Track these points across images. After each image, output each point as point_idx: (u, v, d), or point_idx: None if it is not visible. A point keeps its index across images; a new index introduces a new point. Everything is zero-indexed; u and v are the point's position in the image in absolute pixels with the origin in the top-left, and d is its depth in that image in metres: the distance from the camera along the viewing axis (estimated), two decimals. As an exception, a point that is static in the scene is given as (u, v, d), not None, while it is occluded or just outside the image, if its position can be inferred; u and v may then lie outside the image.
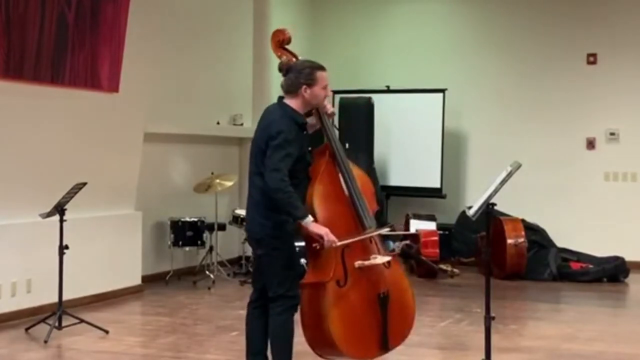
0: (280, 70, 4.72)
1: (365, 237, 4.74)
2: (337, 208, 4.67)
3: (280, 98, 4.75)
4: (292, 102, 4.62)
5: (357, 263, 4.65)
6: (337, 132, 4.92)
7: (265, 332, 4.67)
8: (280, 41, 4.85)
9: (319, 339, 4.70)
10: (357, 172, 4.88)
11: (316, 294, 4.60)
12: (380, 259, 4.75)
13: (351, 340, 4.68)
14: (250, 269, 9.22)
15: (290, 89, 4.62)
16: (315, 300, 4.60)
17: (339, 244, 4.52)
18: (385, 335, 4.80)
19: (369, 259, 4.70)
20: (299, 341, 4.72)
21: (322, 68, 4.66)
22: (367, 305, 4.75)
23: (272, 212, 4.48)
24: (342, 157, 4.78)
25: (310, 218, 4.47)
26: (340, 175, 4.77)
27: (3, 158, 6.74)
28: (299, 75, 4.59)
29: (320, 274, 4.61)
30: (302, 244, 4.69)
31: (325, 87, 4.66)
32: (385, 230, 5.17)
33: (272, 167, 4.40)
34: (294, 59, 4.79)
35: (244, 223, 4.95)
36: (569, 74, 10.70)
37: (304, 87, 4.58)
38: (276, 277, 4.55)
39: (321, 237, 4.47)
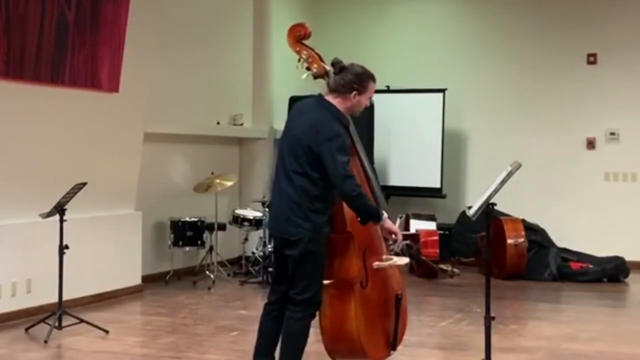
0: (332, 65, 4.56)
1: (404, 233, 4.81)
2: None
3: (319, 94, 4.59)
4: (337, 102, 4.49)
5: (376, 264, 4.64)
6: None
7: (278, 334, 4.59)
8: (301, 36, 4.71)
9: (341, 342, 4.65)
10: None
11: (341, 295, 4.56)
12: (398, 261, 4.75)
13: (374, 341, 4.69)
14: (251, 269, 9.28)
15: (341, 89, 4.48)
16: (340, 301, 4.56)
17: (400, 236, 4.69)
18: (395, 335, 4.83)
19: (382, 260, 4.70)
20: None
21: (375, 79, 4.58)
22: (387, 306, 4.78)
23: (313, 214, 4.38)
24: (364, 155, 4.78)
25: (385, 215, 4.52)
26: (362, 172, 4.76)
27: (3, 158, 6.74)
28: (354, 79, 4.48)
29: (346, 274, 4.57)
30: None
31: (369, 97, 4.60)
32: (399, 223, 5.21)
33: (345, 173, 4.30)
34: (314, 54, 4.68)
35: (270, 222, 4.78)
36: (569, 74, 10.70)
37: (355, 92, 4.49)
38: (304, 280, 4.43)
39: (394, 234, 4.58)
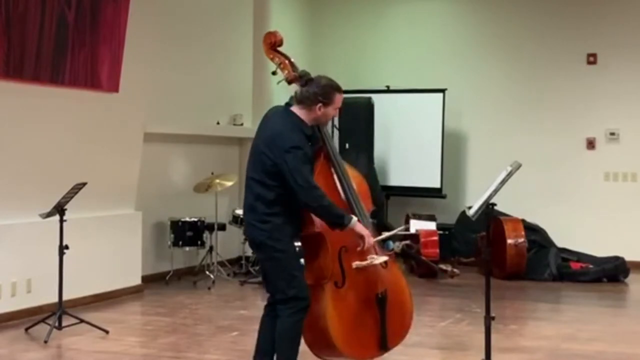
0: (300, 77, 4.66)
1: (386, 237, 4.78)
2: None
3: (287, 104, 4.70)
4: (302, 113, 4.58)
5: (355, 264, 4.65)
6: (337, 132, 4.93)
7: None
8: (272, 43, 4.84)
9: (317, 340, 4.71)
10: (351, 172, 4.87)
11: (314, 295, 4.59)
12: (377, 259, 4.75)
13: (350, 340, 4.69)
14: (251, 269, 9.29)
15: (306, 101, 4.57)
16: (313, 301, 4.58)
17: (372, 241, 4.63)
18: (384, 335, 4.81)
19: (366, 259, 4.70)
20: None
21: (340, 90, 4.65)
22: (365, 305, 4.75)
23: (269, 217, 4.46)
24: (337, 158, 4.78)
25: (355, 218, 4.52)
26: (335, 176, 4.77)
27: (3, 158, 6.74)
28: (318, 91, 4.56)
29: (318, 275, 4.62)
30: (299, 244, 4.69)
31: (336, 108, 4.66)
32: (399, 229, 5.19)
33: (307, 184, 4.38)
34: (286, 61, 4.78)
35: (243, 226, 4.92)
36: (569, 74, 10.69)
37: (320, 104, 4.56)
38: (284, 279, 4.50)
39: (362, 237, 4.54)
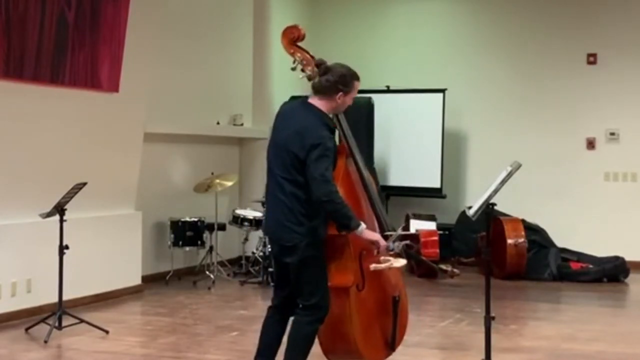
0: (317, 66, 4.54)
1: (400, 234, 4.76)
2: (359, 209, 4.60)
3: (305, 97, 4.58)
4: (322, 104, 4.46)
5: (372, 266, 4.62)
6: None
7: (280, 338, 4.58)
8: (295, 38, 4.72)
9: (337, 343, 4.67)
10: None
11: (337, 298, 4.54)
12: (396, 262, 4.73)
13: (371, 343, 4.70)
14: (251, 269, 9.28)
15: (326, 91, 4.45)
16: (336, 304, 4.53)
17: (385, 244, 4.57)
18: (394, 336, 4.83)
19: (380, 262, 4.68)
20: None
21: (358, 78, 4.56)
22: (384, 308, 4.78)
23: (306, 218, 4.34)
24: (359, 157, 4.75)
25: (363, 225, 4.39)
26: (357, 174, 4.75)
27: (3, 158, 6.74)
28: (339, 80, 4.45)
29: (342, 278, 4.56)
30: None
31: (353, 97, 4.57)
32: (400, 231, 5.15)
33: (321, 178, 4.25)
34: (307, 56, 4.67)
35: (265, 228, 4.72)
36: (569, 74, 10.70)
37: (340, 93, 4.46)
38: (309, 285, 4.40)
39: (374, 243, 4.47)
